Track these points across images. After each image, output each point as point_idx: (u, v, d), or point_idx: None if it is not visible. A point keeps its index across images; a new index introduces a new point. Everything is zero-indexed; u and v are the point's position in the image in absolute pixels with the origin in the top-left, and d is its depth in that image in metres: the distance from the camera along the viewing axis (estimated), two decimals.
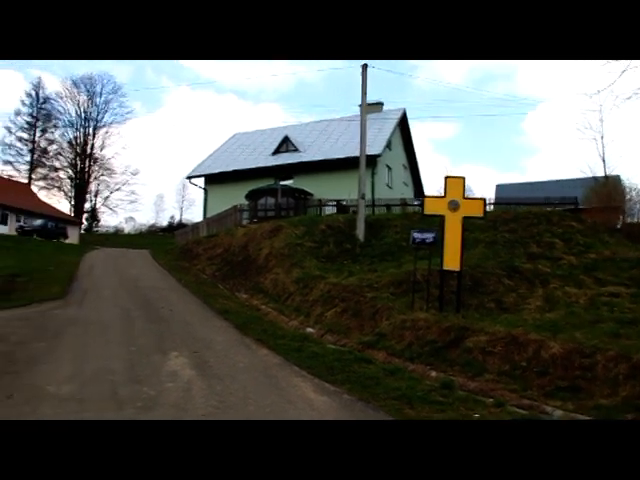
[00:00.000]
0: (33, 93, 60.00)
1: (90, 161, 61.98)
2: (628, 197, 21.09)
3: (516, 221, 17.55)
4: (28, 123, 59.50)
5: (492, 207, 22.99)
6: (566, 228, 16.64)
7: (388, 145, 30.68)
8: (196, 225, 32.47)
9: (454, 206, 11.68)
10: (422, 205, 12.95)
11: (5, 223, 41.80)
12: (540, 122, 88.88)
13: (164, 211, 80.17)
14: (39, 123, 60.06)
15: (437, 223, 12.49)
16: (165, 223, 68.80)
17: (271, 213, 26.51)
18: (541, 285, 12.73)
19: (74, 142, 61.41)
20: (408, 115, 34.89)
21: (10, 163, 58.45)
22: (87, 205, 62.61)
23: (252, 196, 28.47)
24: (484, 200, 12.80)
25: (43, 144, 60.51)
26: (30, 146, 59.39)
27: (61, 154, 61.25)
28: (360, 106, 20.77)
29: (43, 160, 60.55)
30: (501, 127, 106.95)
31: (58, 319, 11.11)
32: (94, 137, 62.26)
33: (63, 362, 8.02)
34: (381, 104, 34.32)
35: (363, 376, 8.33)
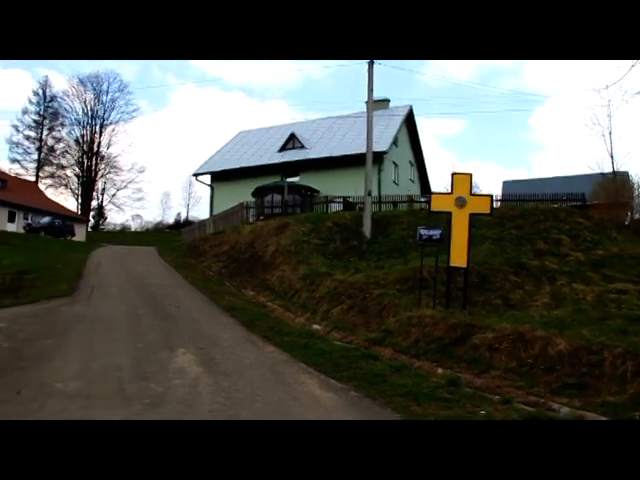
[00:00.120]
0: (40, 92, 60.42)
1: (97, 159, 62.24)
2: (636, 193, 20.99)
3: (523, 218, 17.50)
4: (35, 121, 59.88)
5: (499, 204, 22.92)
6: (573, 225, 16.57)
7: (395, 142, 30.61)
8: (203, 222, 32.52)
9: (461, 203, 11.65)
10: (429, 202, 12.94)
11: (13, 221, 42.00)
12: (547, 118, 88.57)
13: (170, 208, 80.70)
14: (46, 121, 60.38)
15: (444, 220, 12.47)
16: (172, 220, 69.07)
17: (277, 210, 26.52)
18: (548, 282, 12.69)
19: (81, 140, 61.72)
20: (415, 112, 34.84)
21: (18, 161, 58.94)
22: (94, 203, 62.99)
23: (258, 193, 28.48)
24: (491, 197, 12.78)
25: (50, 142, 60.93)
26: (37, 144, 59.75)
27: (68, 152, 61.62)
28: (366, 103, 20.73)
29: (50, 158, 60.89)
30: (508, 123, 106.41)
31: (66, 316, 11.15)
32: (101, 135, 62.62)
33: (71, 359, 8.05)
34: (387, 101, 34.24)
35: (369, 373, 8.33)
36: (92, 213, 62.23)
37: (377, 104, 25.78)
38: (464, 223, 11.63)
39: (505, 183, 38.15)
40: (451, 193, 11.93)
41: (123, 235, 56.01)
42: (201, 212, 70.07)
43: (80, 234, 44.14)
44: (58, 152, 61.28)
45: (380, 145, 27.28)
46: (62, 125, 61.41)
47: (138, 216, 71.61)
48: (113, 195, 63.19)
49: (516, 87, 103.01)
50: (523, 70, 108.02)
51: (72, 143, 61.61)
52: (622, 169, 24.31)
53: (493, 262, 13.45)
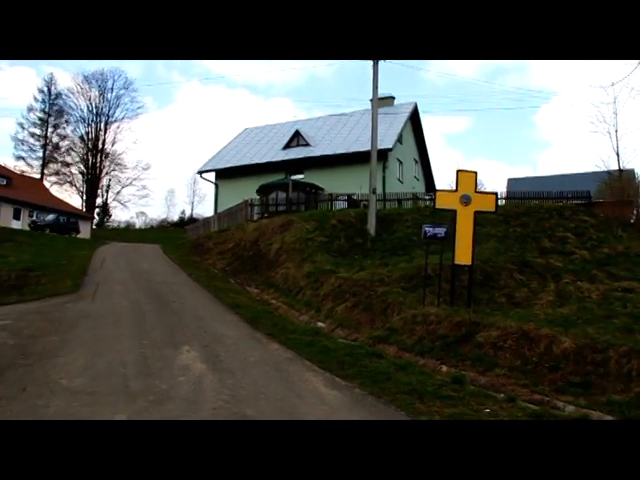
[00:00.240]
0: (45, 89, 60.54)
1: (101, 156, 62.36)
2: None
3: (528, 215, 17.46)
4: (40, 119, 60.03)
5: (504, 201, 22.84)
6: (579, 222, 16.52)
7: (399, 139, 30.55)
8: (207, 220, 32.55)
9: (466, 200, 11.63)
10: (434, 199, 12.92)
11: (18, 218, 42.10)
12: (553, 115, 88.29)
13: (175, 206, 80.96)
14: (51, 119, 60.55)
15: (449, 217, 12.45)
16: (176, 218, 69.13)
17: (282, 208, 26.52)
18: (553, 280, 12.66)
19: (86, 137, 61.86)
20: (419, 109, 34.76)
21: (23, 159, 59.11)
22: (99, 200, 63.11)
23: (263, 191, 28.49)
24: (496, 194, 12.74)
25: (55, 140, 61.08)
26: (42, 142, 59.87)
27: (73, 149, 61.79)
28: (371, 100, 20.69)
29: (55, 156, 61.08)
30: (513, 121, 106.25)
31: (70, 313, 11.18)
32: (105, 132, 62.71)
33: (76, 355, 8.07)
34: (392, 98, 34.21)
35: (374, 371, 8.32)
36: (97, 210, 62.39)
37: (382, 101, 25.77)
38: (469, 221, 11.62)
39: (510, 181, 38.03)
40: (456, 191, 11.92)
41: (127, 232, 56.12)
42: (205, 209, 70.25)
43: (85, 231, 44.24)
44: (63, 149, 61.56)
45: (385, 142, 27.26)
46: (67, 122, 61.67)
47: (143, 213, 71.86)
48: (118, 192, 63.46)
49: (521, 84, 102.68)
50: (529, 67, 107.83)
51: (77, 140, 61.89)
52: (628, 167, 24.18)
53: (498, 260, 13.43)
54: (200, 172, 35.91)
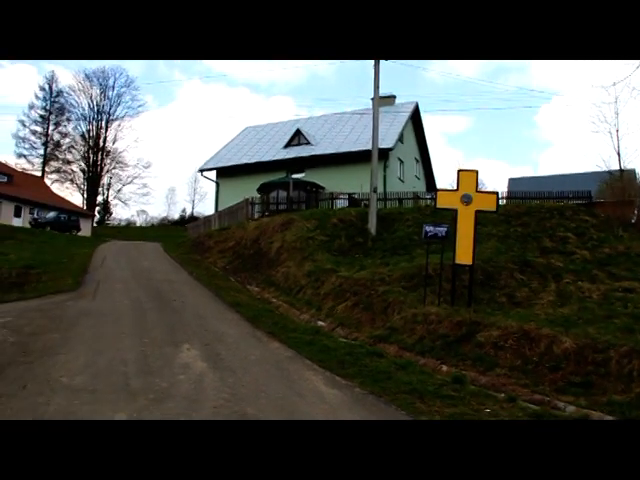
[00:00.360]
0: (47, 87, 60.65)
1: (102, 154, 62.49)
2: None
3: (529, 215, 17.45)
4: (42, 116, 60.16)
5: (505, 201, 22.84)
6: (580, 222, 16.52)
7: (400, 138, 30.55)
8: (208, 218, 32.56)
9: (467, 200, 11.63)
10: (435, 199, 12.91)
11: (19, 216, 42.13)
12: (553, 115, 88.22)
13: (176, 204, 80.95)
14: (52, 116, 60.68)
15: (449, 217, 12.44)
16: (177, 216, 69.21)
17: (283, 206, 26.52)
18: (554, 280, 12.65)
19: (87, 135, 62.01)
20: (420, 108, 34.76)
21: (24, 156, 59.20)
22: (99, 198, 63.29)
23: (264, 189, 28.48)
24: (497, 194, 12.72)
25: (56, 137, 61.23)
26: (43, 139, 60.00)
27: (74, 147, 61.93)
28: (372, 99, 20.68)
29: (56, 153, 61.18)
30: (514, 120, 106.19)
31: (71, 311, 11.18)
32: (107, 130, 62.88)
33: (76, 353, 8.07)
34: (393, 97, 34.22)
35: (374, 370, 8.32)
36: (97, 208, 62.49)
37: (383, 101, 25.74)
38: (470, 220, 11.61)
39: (511, 180, 38.03)
40: (457, 190, 11.91)
41: (128, 230, 56.11)
42: (206, 208, 70.38)
43: (85, 229, 44.26)
44: (64, 147, 61.69)
45: (386, 142, 27.27)
46: (68, 120, 61.83)
47: (143, 211, 71.95)
48: (118, 190, 63.57)
49: (522, 84, 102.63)
50: (529, 67, 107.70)
51: (78, 138, 62.03)
52: (629, 167, 24.17)
53: (498, 260, 13.43)
54: (201, 170, 35.92)
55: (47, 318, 10.34)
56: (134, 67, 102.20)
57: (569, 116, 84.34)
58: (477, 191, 12.06)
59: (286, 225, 19.89)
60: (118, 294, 13.51)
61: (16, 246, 22.68)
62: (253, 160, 32.90)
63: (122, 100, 63.71)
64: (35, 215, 40.91)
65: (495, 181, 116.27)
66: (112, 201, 64.40)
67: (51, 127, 60.40)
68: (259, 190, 28.59)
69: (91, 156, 61.86)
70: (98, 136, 62.15)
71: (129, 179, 62.85)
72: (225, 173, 34.06)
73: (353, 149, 29.03)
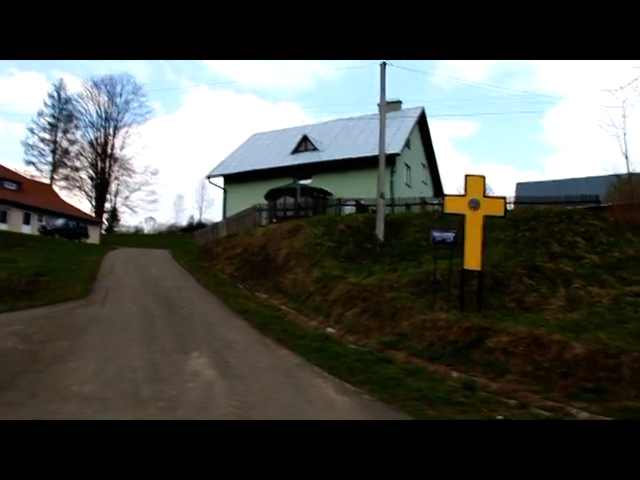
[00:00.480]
0: (55, 94, 60.93)
1: (110, 161, 62.73)
2: None
3: (537, 220, 17.34)
4: (50, 124, 60.38)
5: (512, 206, 22.77)
6: (588, 227, 16.39)
7: (407, 144, 30.52)
8: (215, 225, 32.64)
9: (475, 205, 11.59)
10: (442, 204, 12.88)
11: (28, 223, 42.34)
12: (561, 119, 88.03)
13: (184, 211, 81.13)
14: (61, 124, 60.93)
15: (457, 222, 12.40)
16: (185, 223, 69.30)
17: (290, 213, 26.52)
18: (563, 285, 12.56)
19: (95, 142, 62.20)
20: (427, 113, 34.73)
21: (33, 164, 59.38)
22: (107, 205, 63.40)
23: (271, 196, 28.52)
24: (504, 199, 12.66)
25: (65, 144, 61.41)
26: (52, 147, 60.24)
27: (82, 154, 62.11)
28: (379, 105, 20.68)
29: (64, 160, 61.40)
30: (521, 125, 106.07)
31: (80, 318, 11.22)
32: (114, 137, 63.12)
33: (86, 361, 8.09)
34: (400, 102, 34.19)
35: (384, 376, 8.29)
36: (105, 215, 62.68)
37: (389, 106, 25.78)
38: (478, 225, 11.57)
39: (519, 185, 37.96)
40: (464, 195, 11.88)
41: (136, 237, 56.26)
42: (214, 215, 70.53)
43: (94, 236, 44.43)
44: (72, 154, 61.89)
45: (392, 147, 27.26)
46: (76, 127, 62.11)
47: (151, 218, 72.04)
48: (126, 197, 63.71)
49: (529, 88, 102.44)
50: (536, 71, 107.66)
51: (86, 145, 62.24)
52: (637, 170, 24.07)
53: (507, 265, 13.36)
54: (209, 177, 36.01)
55: (56, 326, 10.37)
56: (141, 74, 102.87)
57: (576, 120, 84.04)
58: (485, 196, 12.01)
59: (294, 232, 19.89)
60: (127, 301, 13.55)
61: (25, 253, 22.80)
62: (260, 167, 32.96)
63: (130, 107, 64.06)
64: (44, 222, 41.11)
65: (502, 186, 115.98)
66: (120, 208, 64.64)
67: (59, 134, 60.75)
68: (266, 197, 28.62)
69: (99, 163, 62.15)
70: (106, 143, 62.47)
71: (137, 186, 63.09)
72: (232, 180, 34.14)
73: (360, 155, 29.01)
